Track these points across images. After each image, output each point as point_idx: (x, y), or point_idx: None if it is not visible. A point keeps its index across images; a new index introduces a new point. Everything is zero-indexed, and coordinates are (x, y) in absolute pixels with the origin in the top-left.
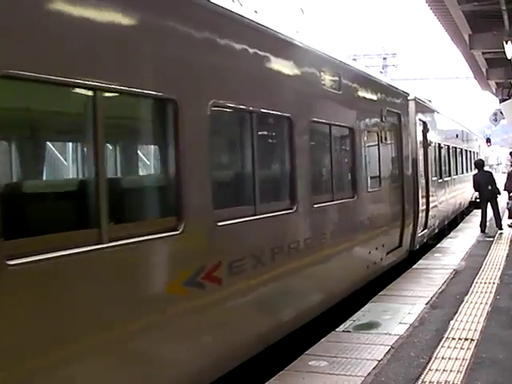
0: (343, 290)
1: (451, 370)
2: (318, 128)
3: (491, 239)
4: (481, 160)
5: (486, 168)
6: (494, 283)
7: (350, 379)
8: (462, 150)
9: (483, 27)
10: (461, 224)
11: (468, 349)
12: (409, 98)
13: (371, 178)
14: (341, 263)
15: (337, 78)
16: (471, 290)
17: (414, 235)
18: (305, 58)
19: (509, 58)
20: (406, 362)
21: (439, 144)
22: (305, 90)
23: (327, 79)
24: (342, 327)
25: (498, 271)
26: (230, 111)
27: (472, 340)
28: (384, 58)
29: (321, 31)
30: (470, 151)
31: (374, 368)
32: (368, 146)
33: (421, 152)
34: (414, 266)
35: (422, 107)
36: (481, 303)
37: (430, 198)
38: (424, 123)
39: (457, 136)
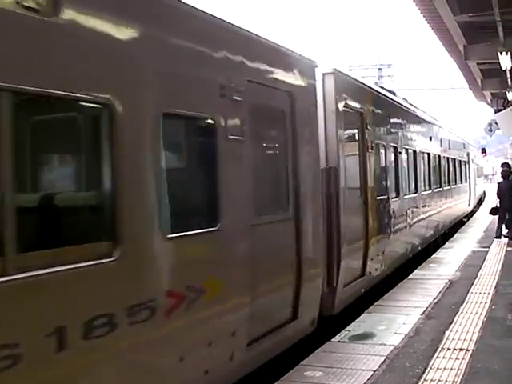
0: None
1: (446, 380)
2: None
3: (486, 249)
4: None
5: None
6: (489, 293)
7: None
8: (439, 156)
9: (478, 38)
10: (456, 234)
11: (463, 359)
12: (320, 70)
13: (189, 210)
14: None
15: None
16: (466, 300)
17: (332, 292)
18: None
19: (503, 68)
20: (402, 373)
21: (395, 147)
22: None
23: None
24: (337, 337)
25: (493, 281)
26: None
27: (467, 350)
28: (379, 69)
29: (317, 41)
30: (455, 159)
31: (369, 378)
32: (177, 149)
33: (351, 158)
34: (409, 277)
35: (351, 88)
36: (476, 313)
37: (373, 229)
38: (360, 114)
39: (431, 139)
